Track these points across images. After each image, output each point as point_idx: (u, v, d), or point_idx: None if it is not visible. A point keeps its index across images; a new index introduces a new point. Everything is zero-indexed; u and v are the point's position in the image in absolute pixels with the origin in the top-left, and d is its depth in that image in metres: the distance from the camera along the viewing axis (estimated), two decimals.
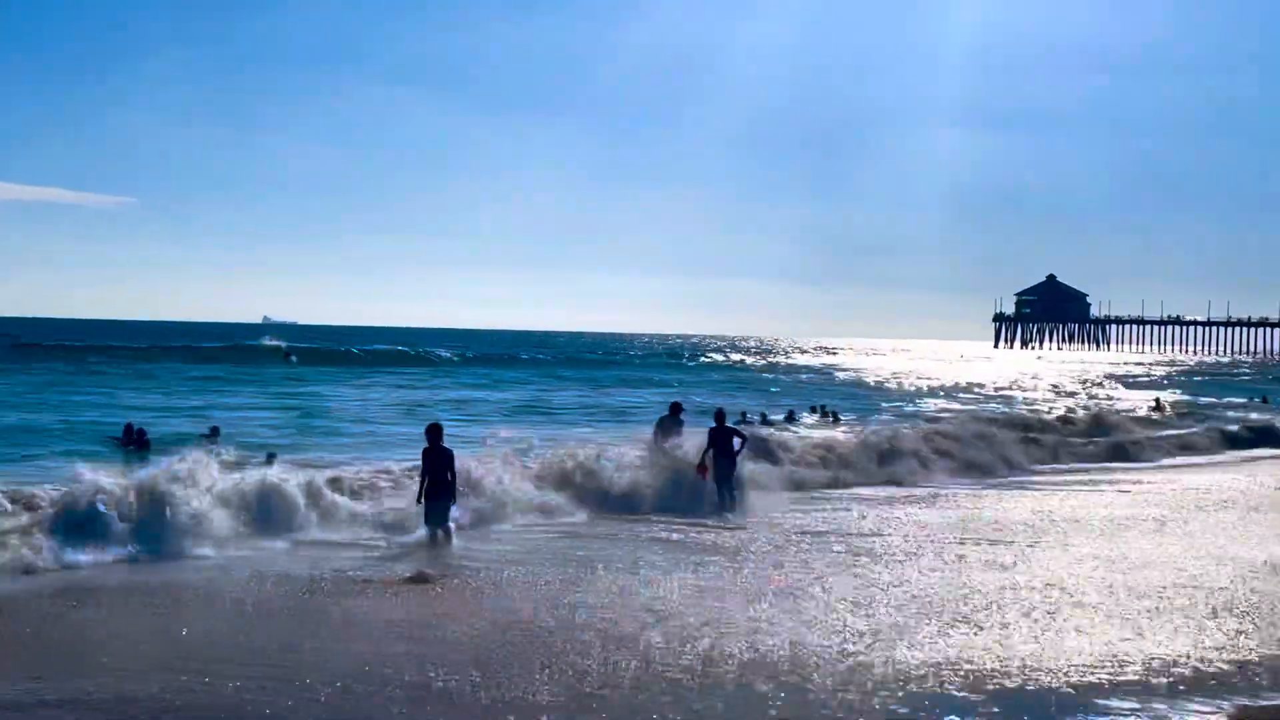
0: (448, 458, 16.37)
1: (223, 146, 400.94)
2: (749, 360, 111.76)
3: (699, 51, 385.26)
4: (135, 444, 25.76)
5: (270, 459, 21.70)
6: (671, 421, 22.18)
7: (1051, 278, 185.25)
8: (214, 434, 27.52)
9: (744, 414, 34.43)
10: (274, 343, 76.79)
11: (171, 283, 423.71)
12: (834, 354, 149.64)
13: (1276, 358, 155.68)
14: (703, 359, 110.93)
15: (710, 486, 20.06)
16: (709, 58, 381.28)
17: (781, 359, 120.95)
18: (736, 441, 20.61)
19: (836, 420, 39.24)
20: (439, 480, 16.17)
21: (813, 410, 41.73)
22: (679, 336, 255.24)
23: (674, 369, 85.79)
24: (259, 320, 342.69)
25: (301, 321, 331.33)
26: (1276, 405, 52.15)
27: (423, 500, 16.22)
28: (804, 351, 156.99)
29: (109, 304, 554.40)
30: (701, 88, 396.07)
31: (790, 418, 38.22)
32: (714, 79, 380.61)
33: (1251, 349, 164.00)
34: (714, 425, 20.81)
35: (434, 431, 16.56)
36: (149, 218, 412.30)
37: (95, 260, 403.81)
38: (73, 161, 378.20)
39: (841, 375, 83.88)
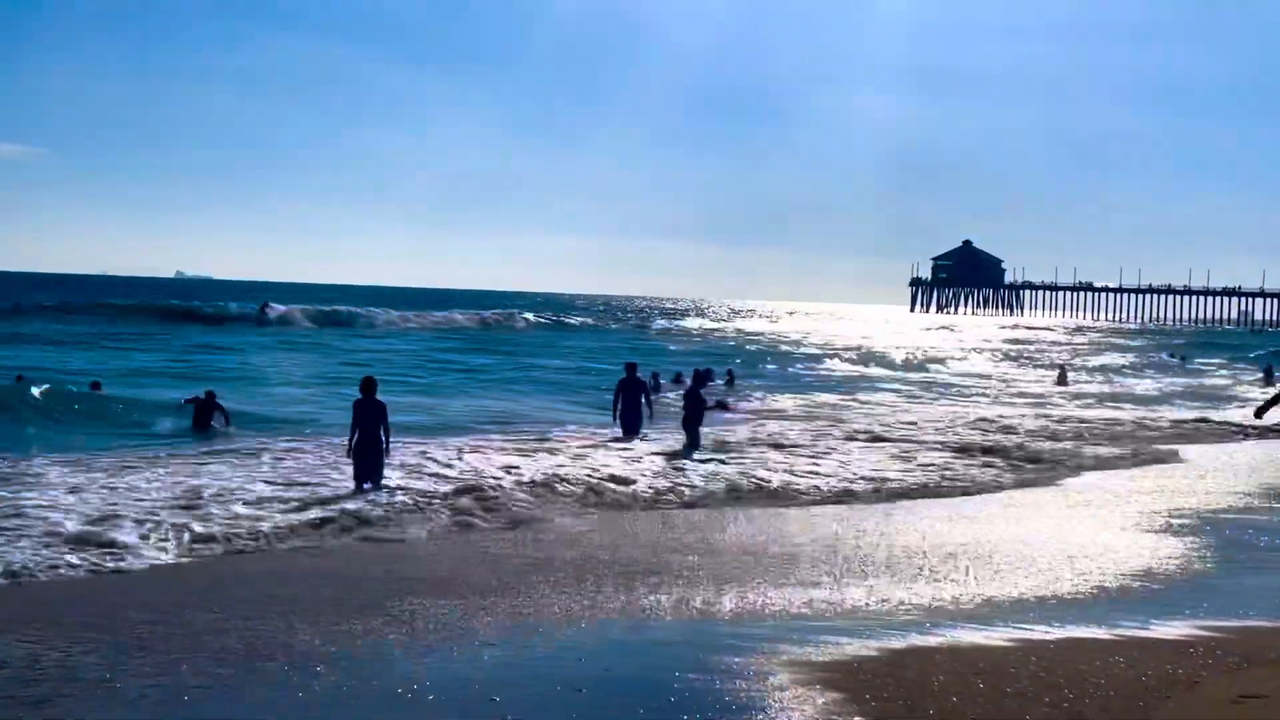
0: (380, 411, 16.15)
1: (137, 98, 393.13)
2: (708, 325, 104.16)
3: (627, 11, 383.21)
4: None
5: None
6: (630, 382, 22.60)
7: (968, 243, 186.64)
8: (95, 388, 26.87)
9: (655, 375, 34.22)
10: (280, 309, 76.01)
11: (82, 236, 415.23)
12: (764, 317, 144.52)
13: (1183, 324, 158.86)
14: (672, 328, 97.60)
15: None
16: (637, 17, 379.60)
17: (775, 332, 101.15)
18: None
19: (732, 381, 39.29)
20: (370, 434, 15.94)
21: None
22: (604, 297, 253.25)
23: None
24: (172, 275, 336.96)
25: (216, 277, 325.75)
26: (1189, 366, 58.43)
27: (352, 454, 16.01)
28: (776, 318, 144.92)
29: (15, 256, 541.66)
30: (629, 47, 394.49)
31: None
32: (642, 39, 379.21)
33: (1160, 316, 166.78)
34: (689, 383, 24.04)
35: (367, 384, 16.39)
36: (60, 169, 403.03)
37: (3, 211, 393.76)
38: None
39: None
